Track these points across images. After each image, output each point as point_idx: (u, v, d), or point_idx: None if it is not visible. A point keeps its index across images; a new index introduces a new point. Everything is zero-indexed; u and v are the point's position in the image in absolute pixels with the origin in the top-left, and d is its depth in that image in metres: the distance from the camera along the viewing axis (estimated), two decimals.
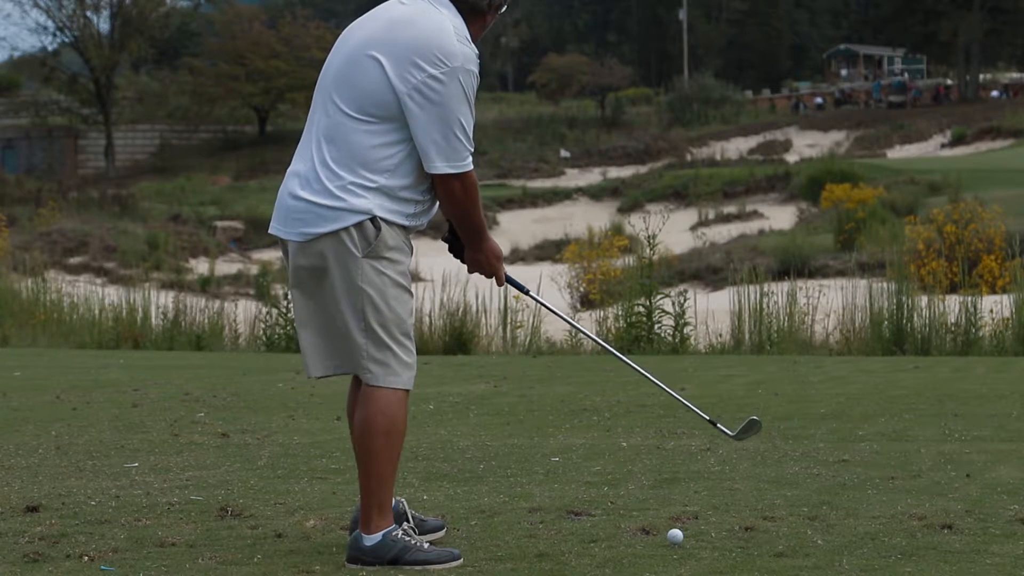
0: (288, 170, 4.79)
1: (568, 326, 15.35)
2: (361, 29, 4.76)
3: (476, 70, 4.67)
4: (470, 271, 4.97)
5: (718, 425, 5.05)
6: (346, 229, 4.61)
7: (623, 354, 5.52)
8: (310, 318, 4.74)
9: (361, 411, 4.70)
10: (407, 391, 4.73)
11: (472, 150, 4.68)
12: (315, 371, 4.78)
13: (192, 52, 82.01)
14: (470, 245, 4.88)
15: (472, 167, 4.68)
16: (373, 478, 4.68)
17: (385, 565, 4.66)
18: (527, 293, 5.22)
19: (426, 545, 4.73)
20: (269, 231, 4.85)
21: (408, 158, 4.65)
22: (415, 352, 4.79)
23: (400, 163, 4.64)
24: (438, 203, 4.77)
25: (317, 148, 4.69)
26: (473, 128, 4.69)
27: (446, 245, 4.96)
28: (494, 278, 4.95)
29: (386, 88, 4.60)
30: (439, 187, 4.68)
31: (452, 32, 4.63)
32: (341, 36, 4.84)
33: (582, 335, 15.07)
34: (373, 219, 4.61)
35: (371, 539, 4.67)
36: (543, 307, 5.38)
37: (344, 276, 4.64)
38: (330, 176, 4.64)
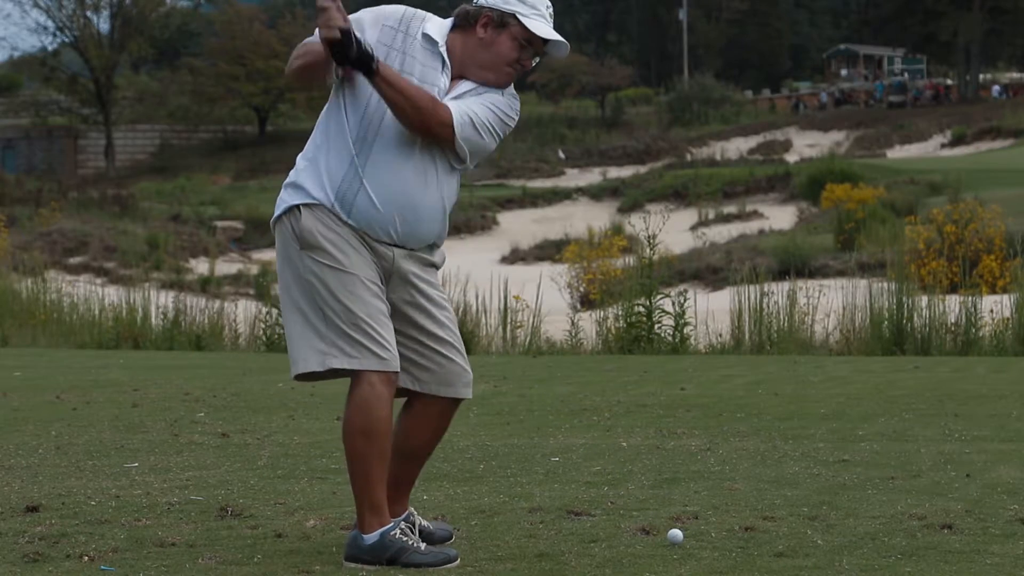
0: None
1: (567, 325, 15.35)
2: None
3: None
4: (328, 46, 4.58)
5: None
6: (280, 219, 4.72)
7: (624, 353, 5.51)
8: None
9: (345, 411, 4.69)
10: (389, 389, 4.63)
11: (451, 125, 4.63)
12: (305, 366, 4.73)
13: (192, 52, 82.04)
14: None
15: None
16: (359, 479, 4.65)
17: (383, 565, 4.65)
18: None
19: (423, 546, 4.72)
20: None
21: (319, 129, 4.73)
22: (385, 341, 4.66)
23: (314, 136, 4.75)
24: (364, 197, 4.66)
25: None
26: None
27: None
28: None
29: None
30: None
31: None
32: None
33: (581, 335, 15.13)
34: (295, 208, 4.67)
35: (369, 538, 4.66)
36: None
37: (288, 266, 4.71)
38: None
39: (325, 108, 4.80)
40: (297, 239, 4.64)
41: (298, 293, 4.67)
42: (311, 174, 4.69)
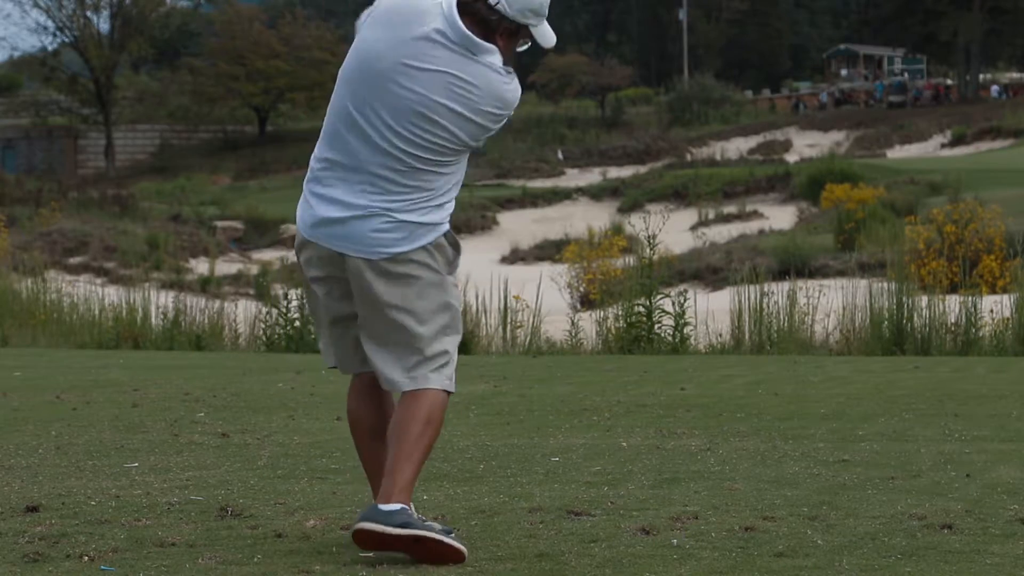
0: None
1: (567, 325, 15.34)
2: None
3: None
4: None
5: None
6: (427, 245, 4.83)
7: (624, 353, 5.55)
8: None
9: (405, 402, 4.80)
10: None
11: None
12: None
13: (192, 52, 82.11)
14: None
15: None
16: (403, 459, 4.72)
17: (396, 528, 4.62)
18: None
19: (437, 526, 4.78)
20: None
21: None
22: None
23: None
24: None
25: None
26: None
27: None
28: None
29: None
30: None
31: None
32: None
33: (581, 335, 15.13)
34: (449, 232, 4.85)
35: (388, 507, 4.68)
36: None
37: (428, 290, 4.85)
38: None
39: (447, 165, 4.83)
40: (451, 263, 4.84)
41: (437, 313, 4.81)
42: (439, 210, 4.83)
